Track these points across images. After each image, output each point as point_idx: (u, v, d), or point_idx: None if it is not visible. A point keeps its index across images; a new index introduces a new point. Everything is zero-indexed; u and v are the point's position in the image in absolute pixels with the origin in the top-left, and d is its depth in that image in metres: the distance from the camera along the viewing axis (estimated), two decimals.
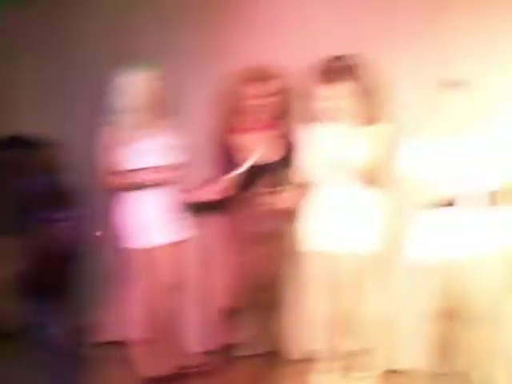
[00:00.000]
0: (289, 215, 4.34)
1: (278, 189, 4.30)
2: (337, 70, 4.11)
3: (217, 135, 4.48)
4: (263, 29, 4.63)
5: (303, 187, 4.28)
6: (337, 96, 4.08)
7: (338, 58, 4.17)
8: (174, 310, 4.52)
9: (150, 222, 4.40)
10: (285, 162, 4.33)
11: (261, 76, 4.35)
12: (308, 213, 4.24)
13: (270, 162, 4.33)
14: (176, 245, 4.48)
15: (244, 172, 4.26)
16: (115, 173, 4.38)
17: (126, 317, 4.48)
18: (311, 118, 4.23)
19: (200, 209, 4.51)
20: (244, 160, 4.27)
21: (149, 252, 4.41)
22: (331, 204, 4.18)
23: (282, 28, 4.60)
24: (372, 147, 4.11)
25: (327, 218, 4.19)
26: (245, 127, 4.40)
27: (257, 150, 4.24)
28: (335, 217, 4.17)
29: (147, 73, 4.38)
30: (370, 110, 4.14)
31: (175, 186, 4.45)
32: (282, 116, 4.42)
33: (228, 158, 4.37)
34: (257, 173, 4.29)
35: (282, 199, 4.31)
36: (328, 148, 4.13)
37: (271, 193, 4.30)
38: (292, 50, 4.50)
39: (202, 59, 4.71)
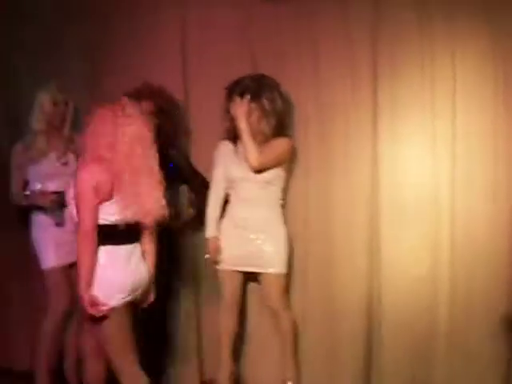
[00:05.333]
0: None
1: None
2: (237, 90, 4.23)
3: None
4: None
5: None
6: (235, 116, 4.23)
7: (237, 80, 4.29)
8: None
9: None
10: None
11: (149, 93, 4.38)
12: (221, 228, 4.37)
13: None
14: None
15: None
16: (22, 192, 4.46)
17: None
18: (224, 135, 4.38)
19: None
20: None
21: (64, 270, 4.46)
22: (240, 221, 4.30)
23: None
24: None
25: (235, 235, 4.32)
26: None
27: None
28: (243, 234, 4.29)
29: (52, 94, 4.45)
30: (269, 128, 4.26)
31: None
32: None
33: None
34: None
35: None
36: (234, 164, 4.29)
37: None
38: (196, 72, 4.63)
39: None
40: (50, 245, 4.42)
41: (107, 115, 3.55)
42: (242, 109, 4.19)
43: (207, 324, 4.68)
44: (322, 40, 4.45)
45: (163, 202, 3.60)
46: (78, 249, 3.49)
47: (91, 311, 3.48)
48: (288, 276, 4.39)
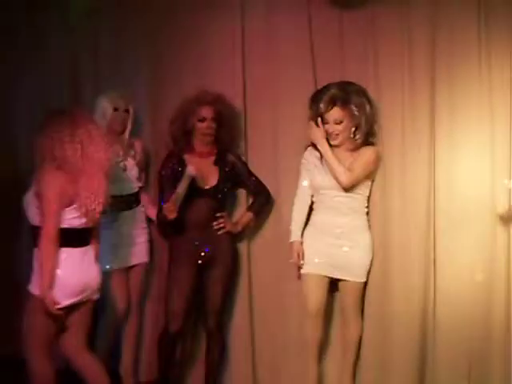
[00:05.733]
0: (232, 239, 4.51)
1: (220, 214, 4.45)
2: (325, 98, 4.27)
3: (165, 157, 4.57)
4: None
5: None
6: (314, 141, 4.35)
7: (321, 89, 4.36)
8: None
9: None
10: (222, 187, 4.48)
11: (209, 100, 4.47)
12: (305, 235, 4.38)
13: (207, 187, 4.44)
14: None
15: (183, 195, 4.32)
16: None
17: None
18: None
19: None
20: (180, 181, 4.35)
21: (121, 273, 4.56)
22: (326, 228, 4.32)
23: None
24: None
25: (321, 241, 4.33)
26: (191, 151, 4.51)
27: (189, 172, 4.31)
28: (328, 241, 4.30)
29: (113, 100, 4.53)
30: (360, 135, 4.26)
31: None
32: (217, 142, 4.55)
33: (173, 181, 4.42)
34: (197, 197, 4.40)
35: (226, 223, 4.47)
36: (319, 172, 4.36)
37: (215, 217, 4.44)
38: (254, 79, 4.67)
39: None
40: (109, 248, 4.42)
41: (66, 122, 3.66)
42: (319, 133, 4.22)
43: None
44: (382, 44, 4.44)
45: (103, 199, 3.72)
46: (40, 252, 3.59)
47: (52, 311, 3.60)
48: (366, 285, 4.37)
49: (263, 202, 4.59)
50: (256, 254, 4.67)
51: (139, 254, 4.61)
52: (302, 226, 4.38)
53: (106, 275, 4.44)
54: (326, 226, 4.28)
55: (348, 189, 4.22)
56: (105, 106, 4.52)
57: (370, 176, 4.30)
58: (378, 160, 4.31)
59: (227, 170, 4.50)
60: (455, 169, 4.31)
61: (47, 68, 4.99)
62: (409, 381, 4.37)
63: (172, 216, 4.28)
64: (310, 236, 4.34)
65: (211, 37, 4.71)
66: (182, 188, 4.30)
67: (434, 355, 4.34)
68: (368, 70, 4.46)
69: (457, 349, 4.30)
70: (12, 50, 5.04)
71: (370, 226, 4.34)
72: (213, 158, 4.52)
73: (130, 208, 4.57)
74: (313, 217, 4.38)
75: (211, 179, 4.45)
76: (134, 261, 4.59)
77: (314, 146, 4.33)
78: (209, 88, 4.54)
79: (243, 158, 4.63)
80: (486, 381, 4.27)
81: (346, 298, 4.33)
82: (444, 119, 4.32)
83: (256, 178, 4.58)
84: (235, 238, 4.58)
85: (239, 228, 4.55)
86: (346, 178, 4.18)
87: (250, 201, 4.63)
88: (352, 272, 4.27)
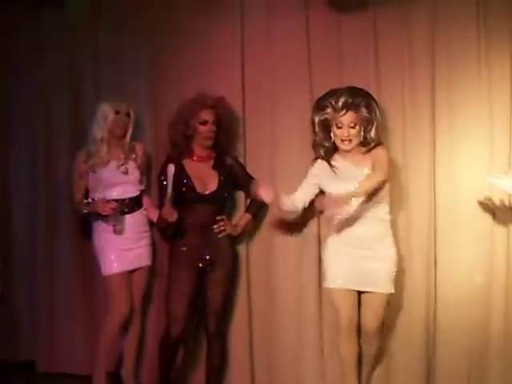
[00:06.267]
0: (232, 241, 4.52)
1: (220, 217, 4.45)
2: (332, 102, 4.20)
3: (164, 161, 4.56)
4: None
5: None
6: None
7: (327, 93, 4.27)
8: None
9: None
10: (222, 192, 4.48)
11: (210, 103, 4.46)
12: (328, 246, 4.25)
13: (207, 192, 4.43)
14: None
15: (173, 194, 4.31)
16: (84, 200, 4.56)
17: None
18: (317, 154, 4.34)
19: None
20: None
21: (125, 276, 4.55)
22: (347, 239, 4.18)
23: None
24: None
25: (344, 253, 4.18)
26: (190, 155, 4.50)
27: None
28: (351, 252, 4.16)
29: (115, 104, 4.53)
30: (374, 135, 4.18)
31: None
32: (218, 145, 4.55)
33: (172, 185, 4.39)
34: (197, 203, 4.40)
35: (227, 227, 4.47)
36: (332, 183, 4.24)
37: (215, 221, 4.43)
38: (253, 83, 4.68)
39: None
40: (112, 252, 4.50)
41: None
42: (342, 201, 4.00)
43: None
44: (381, 46, 4.44)
45: None
46: None
47: None
48: (390, 298, 4.19)
49: (261, 204, 4.54)
50: (255, 256, 4.67)
51: (141, 257, 4.61)
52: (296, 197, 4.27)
53: (108, 279, 4.51)
54: (348, 236, 4.14)
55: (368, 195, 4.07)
56: (106, 110, 4.52)
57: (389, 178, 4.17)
58: (390, 159, 4.22)
59: (226, 174, 4.49)
60: (455, 165, 4.31)
61: (47, 68, 5.00)
62: (410, 381, 4.38)
63: (172, 219, 4.28)
64: (334, 247, 4.19)
65: (210, 38, 4.73)
66: (170, 188, 4.27)
67: (435, 355, 4.36)
68: (367, 71, 4.46)
69: (457, 349, 4.31)
70: (12, 50, 5.06)
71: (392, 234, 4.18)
72: (211, 162, 4.51)
73: (132, 211, 4.57)
74: (336, 228, 4.22)
75: (211, 184, 4.45)
76: (137, 264, 4.59)
77: (323, 156, 4.26)
78: (208, 89, 4.54)
79: (240, 160, 4.63)
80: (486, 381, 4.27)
81: (367, 310, 4.15)
82: (443, 118, 4.32)
83: (254, 179, 4.55)
84: (235, 240, 4.58)
85: (239, 230, 4.56)
86: (382, 175, 4.02)
87: (248, 203, 4.63)
88: (375, 283, 4.09)
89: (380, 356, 4.33)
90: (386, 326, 4.35)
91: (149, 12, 4.81)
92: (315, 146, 4.29)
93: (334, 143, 4.21)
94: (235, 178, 4.55)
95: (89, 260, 4.73)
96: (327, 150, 4.24)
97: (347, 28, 4.51)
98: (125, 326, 4.58)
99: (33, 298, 5.08)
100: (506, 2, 4.22)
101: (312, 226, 4.57)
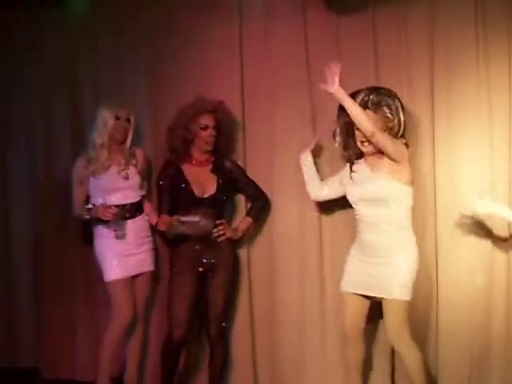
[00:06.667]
0: (232, 245, 4.51)
1: (219, 221, 4.44)
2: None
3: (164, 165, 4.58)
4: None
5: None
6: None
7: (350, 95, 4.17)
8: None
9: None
10: (221, 195, 4.48)
11: (210, 108, 4.46)
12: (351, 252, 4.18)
13: (206, 196, 4.44)
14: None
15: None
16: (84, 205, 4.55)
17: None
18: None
19: None
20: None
21: (127, 282, 4.54)
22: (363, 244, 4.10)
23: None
24: None
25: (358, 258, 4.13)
26: (189, 159, 4.51)
27: None
28: (364, 258, 4.09)
29: (115, 110, 4.53)
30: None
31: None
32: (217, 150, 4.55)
33: (171, 190, 4.45)
34: (196, 206, 4.39)
35: (226, 230, 4.46)
36: (350, 187, 4.22)
37: (215, 225, 4.41)
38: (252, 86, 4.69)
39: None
40: (114, 257, 4.50)
41: None
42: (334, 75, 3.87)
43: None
44: (380, 47, 4.45)
45: None
46: None
47: None
48: (410, 306, 4.00)
49: (262, 207, 4.59)
50: (256, 260, 4.67)
51: (144, 262, 4.61)
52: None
53: (111, 285, 4.50)
54: (363, 242, 4.05)
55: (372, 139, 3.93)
56: (106, 116, 4.51)
57: (402, 159, 3.99)
58: (405, 153, 4.03)
59: (225, 177, 4.49)
60: (455, 165, 4.31)
61: (47, 68, 5.01)
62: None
63: (162, 228, 4.36)
64: (354, 253, 4.13)
65: (209, 41, 4.74)
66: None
67: (437, 357, 4.35)
68: (367, 72, 4.45)
69: (458, 350, 4.29)
70: (12, 50, 5.09)
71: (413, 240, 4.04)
72: (210, 167, 4.51)
73: (134, 216, 4.57)
74: (357, 233, 4.15)
75: (209, 188, 4.45)
76: (139, 270, 4.59)
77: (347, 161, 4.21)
78: (207, 92, 4.55)
79: (240, 163, 4.63)
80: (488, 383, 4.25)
81: (385, 320, 4.01)
82: (442, 118, 4.32)
83: (254, 182, 4.58)
84: (235, 244, 4.57)
85: (239, 234, 4.55)
86: (370, 127, 3.88)
87: (249, 206, 4.63)
88: (386, 290, 3.94)
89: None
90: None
91: (148, 14, 4.83)
92: (341, 150, 4.23)
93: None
94: (235, 182, 4.55)
95: (92, 265, 4.72)
96: (351, 154, 4.17)
97: (345, 29, 4.51)
98: (128, 332, 4.57)
99: (34, 303, 5.11)
100: (504, 2, 4.22)
101: (314, 229, 4.56)
